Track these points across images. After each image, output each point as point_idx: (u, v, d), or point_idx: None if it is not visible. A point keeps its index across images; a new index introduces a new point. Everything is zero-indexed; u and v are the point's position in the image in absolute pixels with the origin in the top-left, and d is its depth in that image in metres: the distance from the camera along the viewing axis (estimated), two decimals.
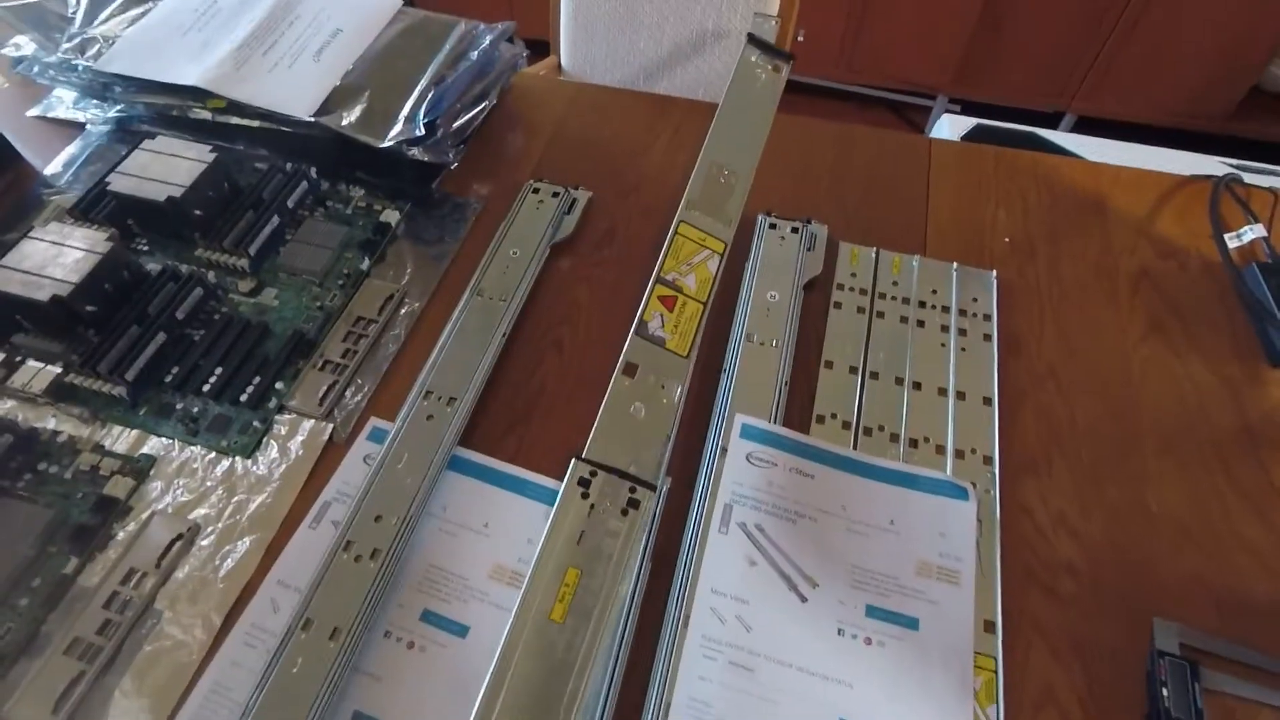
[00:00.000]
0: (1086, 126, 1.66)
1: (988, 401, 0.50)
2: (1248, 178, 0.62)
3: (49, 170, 0.64)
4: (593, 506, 0.35)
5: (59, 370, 0.49)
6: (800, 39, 1.69)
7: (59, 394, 0.49)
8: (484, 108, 0.67)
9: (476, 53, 0.66)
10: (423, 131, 0.60)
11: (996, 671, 0.40)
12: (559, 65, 1.10)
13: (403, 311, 0.55)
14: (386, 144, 0.59)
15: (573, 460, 0.35)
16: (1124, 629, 0.42)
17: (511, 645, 0.32)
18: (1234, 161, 0.66)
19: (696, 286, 0.40)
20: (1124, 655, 0.41)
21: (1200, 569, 0.44)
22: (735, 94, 0.45)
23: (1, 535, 0.42)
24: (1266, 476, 0.47)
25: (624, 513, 0.35)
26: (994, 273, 0.56)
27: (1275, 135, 1.63)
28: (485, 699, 0.32)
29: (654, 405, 0.38)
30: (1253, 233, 0.58)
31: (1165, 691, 0.38)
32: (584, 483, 0.36)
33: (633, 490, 0.36)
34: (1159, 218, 0.61)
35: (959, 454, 0.47)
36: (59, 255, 0.50)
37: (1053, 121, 1.77)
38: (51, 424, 0.48)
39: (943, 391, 0.50)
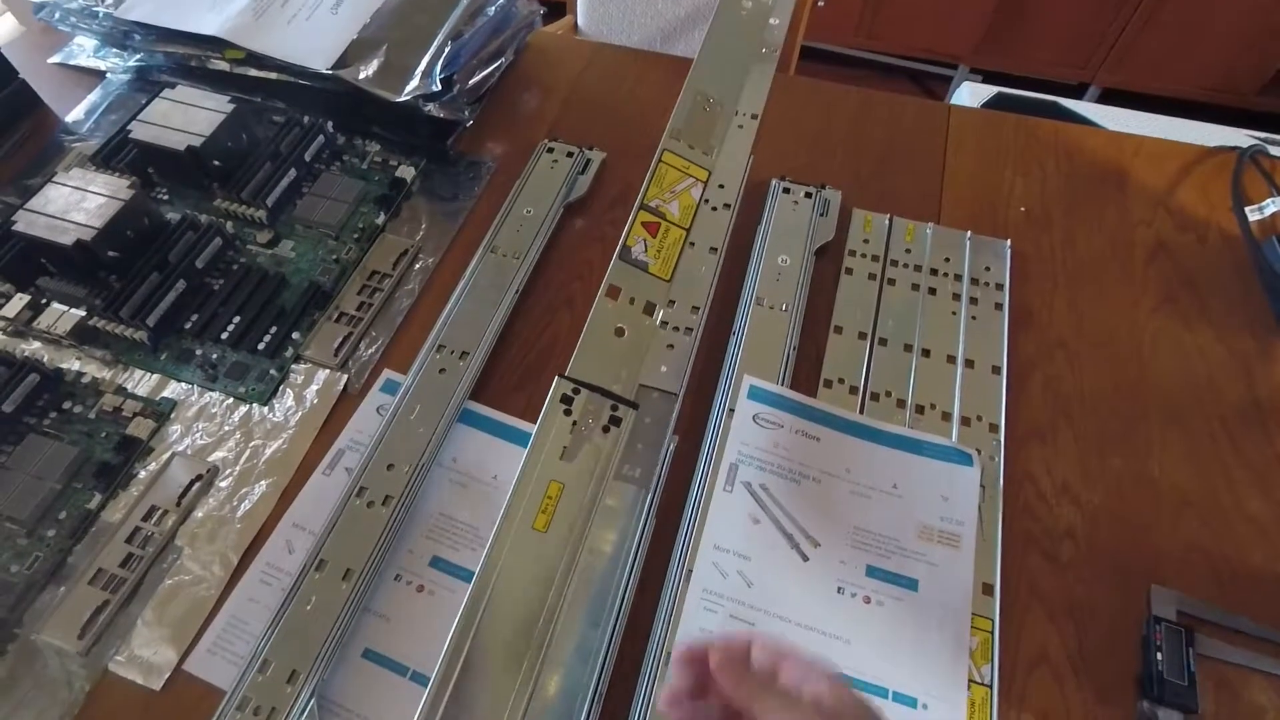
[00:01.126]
0: (1111, 99, 1.62)
1: (996, 370, 0.50)
2: (1273, 150, 0.61)
3: (70, 118, 0.65)
4: (575, 423, 0.36)
5: (83, 314, 0.50)
6: (821, 4, 1.66)
7: (82, 337, 0.50)
8: (500, 65, 0.67)
9: (493, 9, 0.65)
10: (439, 87, 0.59)
11: (993, 633, 0.40)
12: (575, 25, 1.09)
13: (417, 266, 0.56)
14: (403, 98, 0.59)
15: (556, 378, 0.36)
16: (1120, 595, 0.42)
17: (496, 552, 0.33)
18: (1260, 134, 0.65)
19: (679, 213, 0.41)
20: (1119, 620, 0.41)
21: (1200, 538, 0.44)
22: (720, 23, 0.45)
23: (29, 469, 0.44)
24: (1272, 449, 0.47)
25: (605, 430, 0.36)
26: (1008, 242, 0.56)
27: None
28: (469, 606, 0.33)
29: (636, 328, 0.39)
30: (1275, 205, 0.57)
31: (1159, 655, 0.39)
32: (567, 400, 0.37)
33: (614, 409, 0.37)
34: (1180, 189, 0.60)
35: (965, 421, 0.48)
36: (82, 200, 0.51)
37: (1077, 94, 1.73)
38: (75, 365, 0.50)
39: (951, 359, 0.50)
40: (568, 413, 0.36)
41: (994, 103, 0.95)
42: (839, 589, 0.42)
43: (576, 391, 0.36)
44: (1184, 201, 0.60)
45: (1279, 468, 0.46)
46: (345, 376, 0.50)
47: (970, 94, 0.98)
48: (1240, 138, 0.64)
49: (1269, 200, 0.58)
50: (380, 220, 0.57)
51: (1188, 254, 0.56)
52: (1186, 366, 0.51)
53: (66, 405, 0.47)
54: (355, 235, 0.57)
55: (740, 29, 0.45)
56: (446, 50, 0.61)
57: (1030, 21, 1.59)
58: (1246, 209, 0.57)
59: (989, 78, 1.71)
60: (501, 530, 0.34)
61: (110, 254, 0.51)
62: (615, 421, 0.36)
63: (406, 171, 0.61)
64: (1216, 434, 0.48)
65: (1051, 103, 0.94)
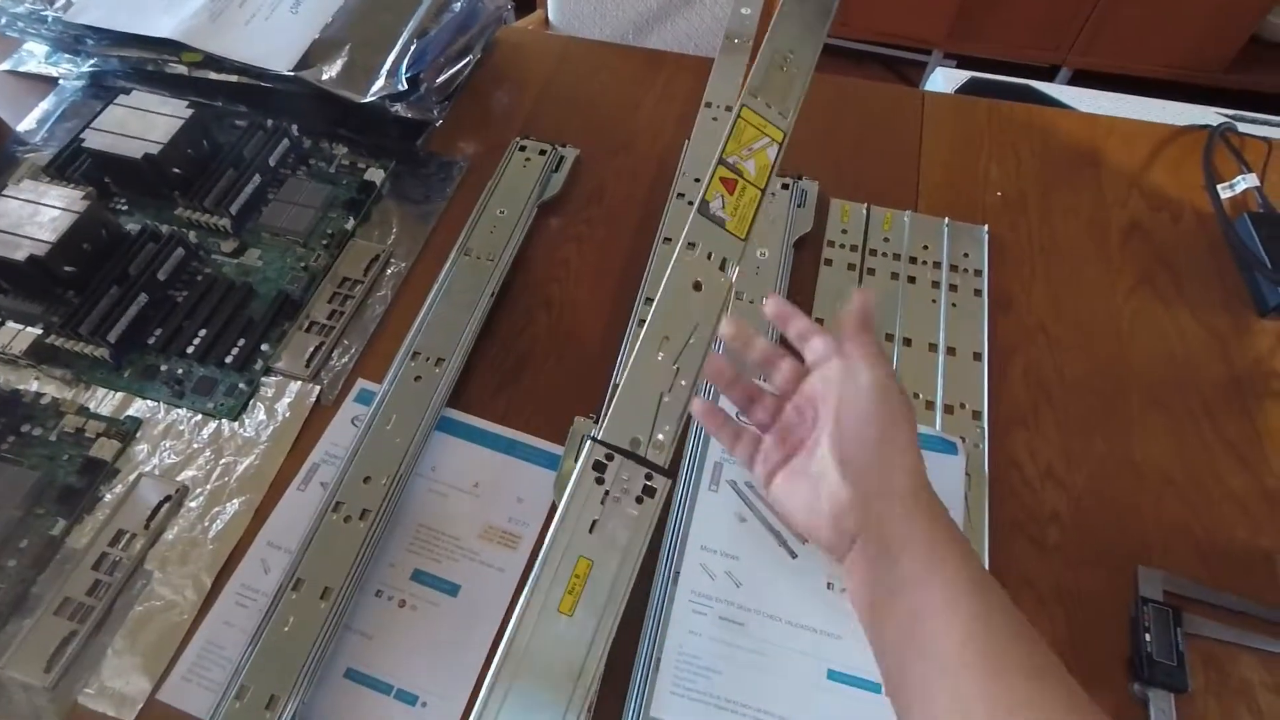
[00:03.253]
0: (1083, 80, 1.63)
1: (977, 357, 0.50)
2: (1242, 127, 0.62)
3: (22, 127, 0.63)
4: (607, 493, 0.33)
5: (39, 332, 0.49)
6: None
7: (40, 356, 0.48)
8: (469, 62, 0.65)
9: (459, 4, 0.64)
10: (405, 86, 0.58)
11: None
12: (546, 19, 1.07)
13: (389, 272, 0.54)
14: (368, 99, 0.57)
15: (589, 442, 0.34)
16: (1107, 577, 0.42)
17: (520, 637, 0.30)
18: (1229, 111, 0.65)
19: (756, 172, 0.39)
20: (1107, 602, 0.41)
21: (1184, 518, 0.44)
22: None
23: None
24: (1252, 425, 0.47)
25: (639, 500, 0.33)
26: (985, 228, 0.56)
27: (1273, 86, 1.61)
28: (491, 693, 0.30)
29: (712, 282, 0.36)
30: (1245, 182, 0.57)
31: (1148, 636, 0.39)
32: (599, 466, 0.33)
33: (649, 477, 0.33)
34: (1152, 169, 0.60)
35: (948, 409, 0.47)
36: (35, 214, 0.49)
37: (1049, 76, 1.74)
38: (34, 386, 0.48)
39: (933, 347, 0.50)
40: (599, 481, 0.33)
41: (968, 88, 0.95)
42: (829, 584, 0.41)
43: (610, 458, 0.34)
44: (1157, 181, 0.60)
45: (1258, 445, 0.47)
46: (318, 388, 0.48)
47: (944, 79, 0.97)
48: (1210, 116, 0.64)
49: (1239, 178, 0.58)
50: (350, 225, 0.56)
51: (1162, 234, 0.56)
52: (1165, 346, 0.51)
53: (25, 428, 0.46)
54: (324, 241, 0.55)
55: None
56: (412, 48, 0.60)
57: (1001, 5, 1.60)
58: (1218, 187, 0.58)
59: (962, 62, 1.71)
60: (525, 614, 0.31)
61: (67, 269, 0.49)
62: (649, 492, 0.33)
63: (375, 174, 0.59)
64: (1196, 413, 0.48)
65: (1025, 86, 0.94)
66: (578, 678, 0.30)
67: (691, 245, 0.36)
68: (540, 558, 0.31)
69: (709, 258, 0.36)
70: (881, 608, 0.31)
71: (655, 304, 0.35)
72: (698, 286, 0.36)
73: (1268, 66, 1.61)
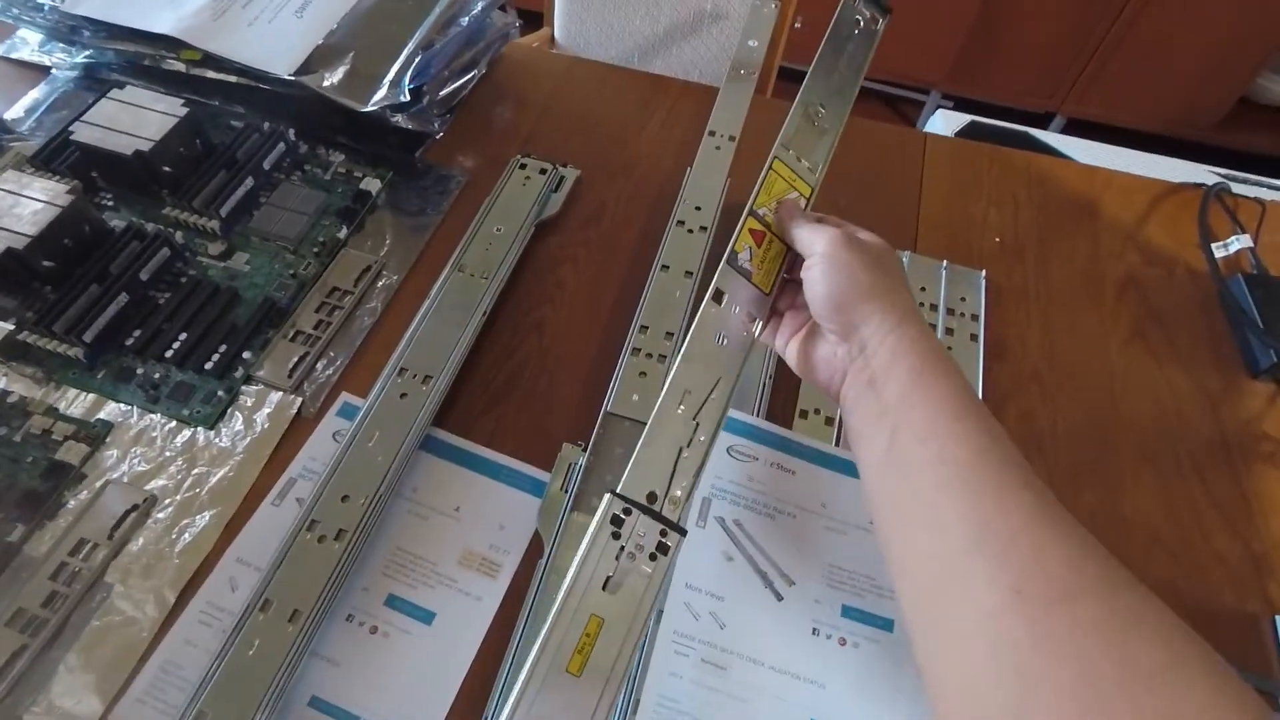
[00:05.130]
0: (1076, 129, 1.66)
1: None
2: (1236, 188, 0.62)
3: (9, 115, 0.61)
4: (622, 548, 0.32)
5: (11, 327, 0.47)
6: (798, 26, 1.67)
7: (11, 352, 0.47)
8: (472, 77, 0.65)
9: (467, 19, 0.63)
10: (408, 98, 0.57)
11: None
12: (552, 38, 1.07)
13: (380, 284, 0.53)
14: (369, 108, 0.56)
15: (608, 495, 0.33)
16: None
17: (525, 698, 0.29)
18: (1223, 171, 0.66)
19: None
20: None
21: (1171, 577, 0.44)
22: (835, 36, 0.43)
23: None
24: (1239, 488, 0.47)
25: (652, 558, 0.33)
26: (983, 273, 0.56)
27: (1262, 146, 1.65)
28: None
29: (735, 337, 0.36)
30: (1239, 243, 0.58)
31: None
32: (617, 521, 0.32)
33: (663, 534, 0.32)
34: (1148, 224, 0.61)
35: None
36: (15, 206, 0.48)
37: (1043, 123, 1.78)
38: (2, 383, 0.46)
39: None
40: (616, 536, 0.32)
41: (967, 131, 0.96)
42: (814, 630, 0.40)
43: (628, 512, 0.33)
44: (1152, 236, 0.60)
45: (1245, 507, 0.47)
46: (300, 399, 0.47)
47: (944, 121, 0.98)
48: (1203, 174, 0.65)
49: (1233, 238, 0.58)
50: (342, 234, 0.55)
51: (1156, 288, 0.57)
52: (1156, 402, 0.51)
53: None
54: (315, 249, 0.54)
55: (853, 44, 0.44)
56: (417, 60, 0.59)
57: (1001, 51, 1.63)
58: (1212, 245, 0.58)
59: (959, 104, 1.74)
60: (533, 673, 0.29)
61: (45, 264, 0.47)
62: (663, 549, 0.33)
63: (371, 184, 0.58)
64: (1185, 471, 0.48)
65: (1023, 133, 0.95)
66: None
67: (718, 297, 0.36)
68: (553, 613, 0.30)
69: (735, 311, 0.36)
70: (867, 436, 0.32)
71: (680, 356, 0.35)
72: (721, 340, 0.36)
73: (1256, 127, 1.65)
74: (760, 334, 0.38)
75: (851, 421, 0.34)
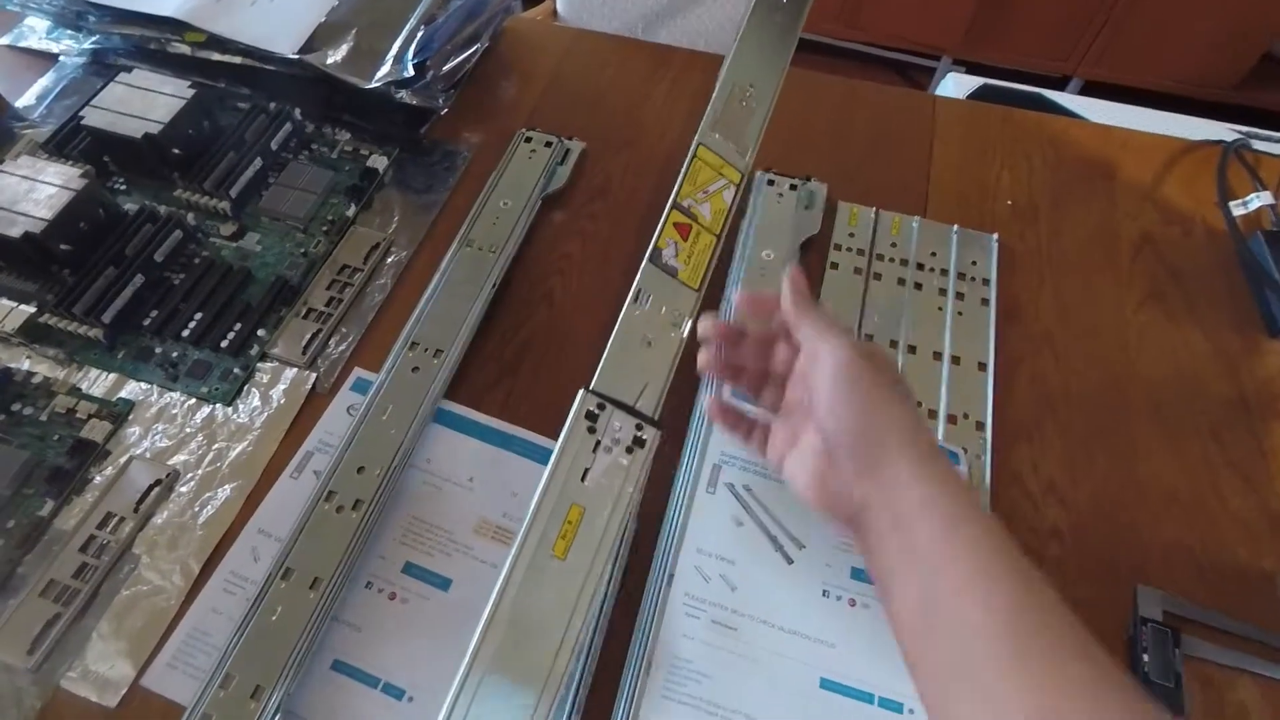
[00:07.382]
0: (1093, 91, 1.63)
1: (982, 367, 0.49)
2: (1257, 144, 0.61)
3: (20, 102, 0.62)
4: (598, 442, 0.33)
5: (33, 310, 0.48)
6: None
7: (33, 334, 0.48)
8: (476, 51, 0.65)
9: None
10: (411, 73, 0.57)
11: None
12: (555, 10, 1.06)
13: (389, 260, 0.54)
14: (373, 85, 0.56)
15: (580, 391, 0.33)
16: (1107, 595, 0.42)
17: (512, 579, 0.31)
18: (1243, 128, 0.64)
19: (711, 217, 0.37)
20: (1105, 621, 0.41)
21: (1186, 537, 0.44)
22: (760, 12, 0.42)
23: None
24: (1258, 446, 0.47)
25: (629, 450, 0.33)
26: (995, 236, 0.55)
27: None
28: (484, 633, 0.31)
29: (661, 339, 0.36)
30: (1259, 200, 0.56)
31: (1145, 657, 0.39)
32: (591, 416, 0.34)
33: (639, 428, 0.33)
34: (1165, 183, 0.60)
35: (951, 419, 0.47)
36: (31, 191, 0.48)
37: (1059, 86, 1.74)
38: (26, 365, 0.47)
39: (938, 356, 0.49)
40: (591, 430, 0.33)
41: (979, 94, 0.94)
42: (824, 592, 0.41)
43: (602, 407, 0.34)
44: (1169, 195, 0.59)
45: (1263, 466, 0.46)
46: (314, 375, 0.48)
47: (955, 85, 0.97)
48: (1223, 131, 0.63)
49: (1253, 195, 0.57)
50: (351, 212, 0.55)
51: (1173, 248, 0.56)
52: (1172, 363, 0.50)
53: (16, 407, 0.45)
54: (324, 228, 0.55)
55: (780, 18, 0.42)
56: (419, 35, 0.59)
57: (1014, 13, 1.59)
58: (1231, 204, 0.57)
59: (972, 69, 1.70)
60: (520, 554, 0.31)
61: (62, 247, 0.48)
62: (639, 443, 0.33)
63: (378, 161, 0.58)
64: (1202, 431, 0.47)
65: (1036, 95, 0.93)
66: (570, 615, 0.31)
67: (639, 297, 0.35)
68: (533, 503, 0.32)
69: (661, 311, 0.35)
70: (900, 576, 0.30)
71: (601, 363, 0.35)
72: (648, 344, 0.35)
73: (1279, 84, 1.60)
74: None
75: (876, 560, 0.32)
